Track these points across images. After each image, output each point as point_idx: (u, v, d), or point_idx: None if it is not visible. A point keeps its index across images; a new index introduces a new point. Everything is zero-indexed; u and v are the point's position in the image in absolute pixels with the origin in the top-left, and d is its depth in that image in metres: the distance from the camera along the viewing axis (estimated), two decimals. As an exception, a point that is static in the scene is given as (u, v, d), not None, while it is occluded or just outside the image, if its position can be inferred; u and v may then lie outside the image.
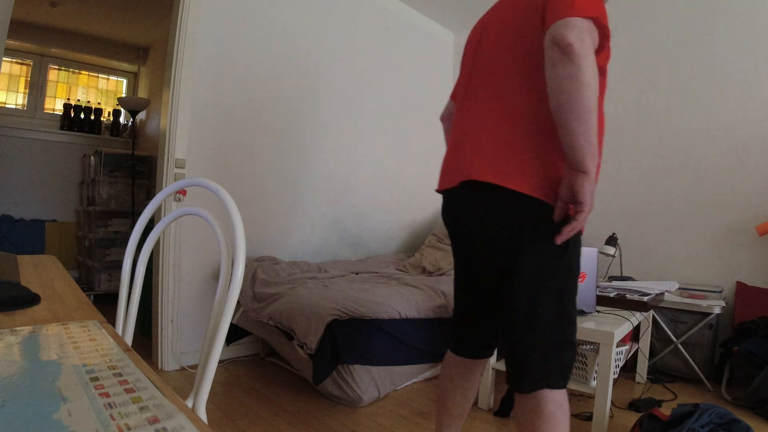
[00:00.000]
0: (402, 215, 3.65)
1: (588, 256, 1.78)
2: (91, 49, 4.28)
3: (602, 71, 1.00)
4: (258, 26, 2.68)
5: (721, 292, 2.49)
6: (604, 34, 0.95)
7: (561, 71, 0.88)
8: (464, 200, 1.13)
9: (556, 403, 1.01)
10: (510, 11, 1.10)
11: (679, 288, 2.55)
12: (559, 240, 0.95)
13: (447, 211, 1.24)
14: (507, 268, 1.04)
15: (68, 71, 4.30)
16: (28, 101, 4.01)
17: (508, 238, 1.03)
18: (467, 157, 1.09)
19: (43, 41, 4.03)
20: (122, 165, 3.74)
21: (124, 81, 4.67)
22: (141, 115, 4.29)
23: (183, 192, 2.30)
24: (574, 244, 1.03)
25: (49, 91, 4.16)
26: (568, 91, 0.87)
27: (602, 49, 0.98)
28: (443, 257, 3.05)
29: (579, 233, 1.02)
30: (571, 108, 0.88)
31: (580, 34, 0.87)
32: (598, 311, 1.99)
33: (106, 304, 2.76)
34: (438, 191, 1.26)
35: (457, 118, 1.21)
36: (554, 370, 1.03)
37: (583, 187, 0.90)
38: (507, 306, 1.06)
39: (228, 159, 2.56)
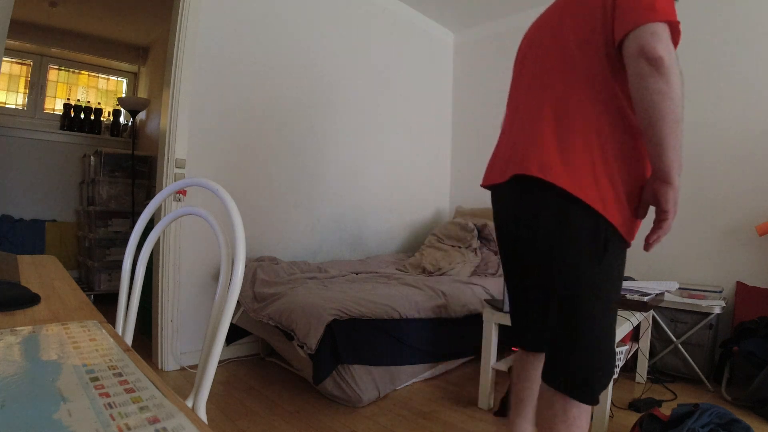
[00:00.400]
0: (402, 215, 3.65)
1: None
2: (91, 49, 4.28)
3: None
4: (258, 26, 2.68)
5: (721, 292, 2.49)
6: (675, 40, 0.93)
7: (652, 86, 0.87)
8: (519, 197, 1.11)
9: (581, 408, 1.01)
10: (565, 10, 1.06)
11: (679, 288, 2.55)
12: (649, 249, 0.99)
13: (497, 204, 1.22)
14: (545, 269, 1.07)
15: (68, 71, 4.30)
16: (28, 101, 4.01)
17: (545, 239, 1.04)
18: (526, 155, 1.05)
19: (43, 41, 4.03)
20: (122, 165, 3.74)
21: (124, 81, 4.67)
22: (141, 115, 4.29)
23: (183, 192, 2.30)
24: (613, 253, 0.99)
25: (49, 91, 4.16)
26: (660, 107, 0.87)
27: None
28: (443, 257, 3.05)
29: (620, 246, 1.01)
30: (663, 123, 0.88)
31: (668, 45, 0.86)
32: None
33: (106, 304, 2.76)
34: (486, 186, 1.23)
35: (509, 130, 1.17)
36: (583, 379, 1.02)
37: (668, 196, 0.93)
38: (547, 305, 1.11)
39: (228, 159, 2.56)
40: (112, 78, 4.60)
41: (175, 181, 2.28)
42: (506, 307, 1.94)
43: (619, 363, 2.04)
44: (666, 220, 0.95)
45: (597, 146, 0.97)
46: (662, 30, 0.87)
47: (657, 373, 2.41)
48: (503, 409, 1.91)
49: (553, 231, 1.01)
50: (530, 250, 1.10)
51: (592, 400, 1.02)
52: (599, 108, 0.98)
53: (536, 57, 1.12)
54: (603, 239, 0.97)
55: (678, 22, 0.90)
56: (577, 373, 1.01)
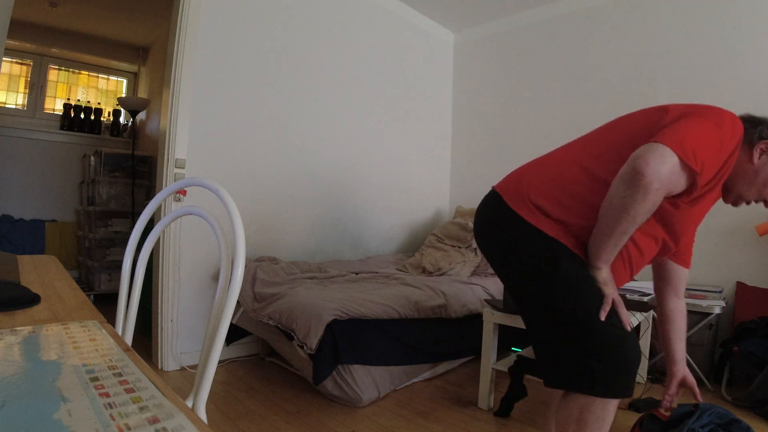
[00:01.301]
0: (402, 215, 3.65)
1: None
2: (91, 49, 4.28)
3: (668, 226, 1.11)
4: (257, 26, 2.68)
5: (721, 292, 2.49)
6: (689, 191, 0.99)
7: (622, 191, 0.95)
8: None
9: (591, 411, 1.01)
10: (642, 114, 1.14)
11: (679, 288, 2.54)
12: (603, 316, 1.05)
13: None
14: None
15: (68, 71, 4.30)
16: (28, 101, 4.01)
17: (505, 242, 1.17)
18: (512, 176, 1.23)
19: (43, 41, 4.03)
20: (122, 165, 3.74)
21: (124, 81, 4.67)
22: (141, 115, 4.29)
23: (183, 192, 2.30)
24: (567, 261, 1.08)
25: (49, 91, 4.16)
26: (615, 211, 0.97)
27: (678, 206, 1.04)
28: (443, 257, 3.05)
29: (564, 249, 1.09)
30: (609, 223, 0.99)
31: (658, 167, 0.91)
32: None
33: (106, 304, 2.76)
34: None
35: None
36: (574, 375, 1.03)
37: (597, 279, 1.06)
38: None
39: (228, 159, 2.56)
40: (112, 78, 4.59)
41: (175, 181, 2.28)
42: (507, 307, 1.94)
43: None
44: (603, 293, 1.05)
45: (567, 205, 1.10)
46: (667, 155, 0.92)
47: (657, 373, 2.40)
48: (503, 409, 1.91)
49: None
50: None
51: (594, 389, 1.00)
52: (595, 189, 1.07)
53: (601, 130, 1.20)
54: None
55: (699, 177, 0.96)
56: (570, 364, 1.04)
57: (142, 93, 4.51)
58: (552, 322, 1.08)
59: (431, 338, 2.22)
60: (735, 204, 1.17)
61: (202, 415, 0.82)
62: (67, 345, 0.55)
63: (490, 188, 1.29)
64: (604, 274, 1.06)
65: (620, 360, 1.01)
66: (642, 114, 1.13)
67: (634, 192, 0.93)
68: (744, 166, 1.09)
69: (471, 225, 3.13)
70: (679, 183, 0.96)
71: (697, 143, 0.94)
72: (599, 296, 1.05)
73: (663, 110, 1.08)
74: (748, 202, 1.15)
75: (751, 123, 1.10)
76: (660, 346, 1.40)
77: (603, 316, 1.01)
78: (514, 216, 1.12)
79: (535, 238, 1.09)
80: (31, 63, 4.06)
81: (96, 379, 0.45)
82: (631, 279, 1.25)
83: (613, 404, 1.02)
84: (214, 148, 2.50)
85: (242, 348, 2.58)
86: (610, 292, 1.05)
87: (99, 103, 4.41)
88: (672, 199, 1.03)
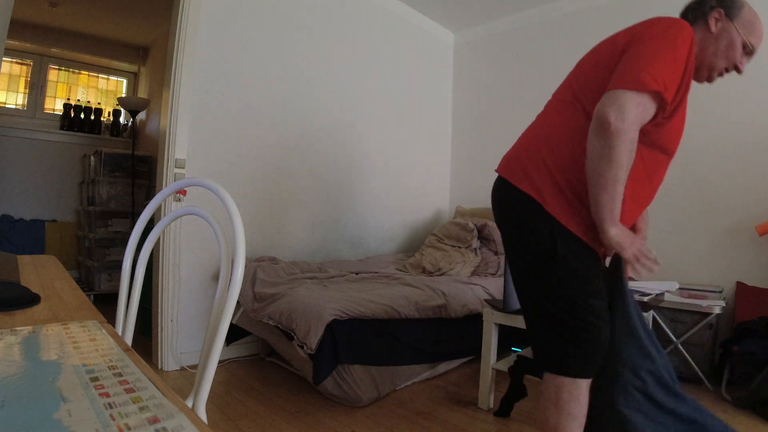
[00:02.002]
0: (402, 215, 3.65)
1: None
2: (91, 49, 4.28)
3: (662, 147, 1.08)
4: (257, 26, 2.68)
5: (721, 292, 2.49)
6: (663, 108, 0.99)
7: (596, 142, 0.98)
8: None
9: (570, 388, 1.07)
10: (601, 48, 1.16)
11: (679, 288, 2.55)
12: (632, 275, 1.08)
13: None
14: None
15: (68, 71, 4.30)
16: (28, 101, 4.01)
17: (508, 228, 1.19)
18: (507, 156, 1.23)
19: (43, 41, 4.03)
20: (122, 165, 3.74)
21: (124, 81, 4.67)
22: (141, 115, 4.29)
23: (183, 192, 2.30)
24: (564, 244, 1.08)
25: (49, 91, 4.16)
26: (598, 163, 0.98)
27: (661, 125, 1.03)
28: (443, 257, 3.05)
29: (569, 237, 1.08)
30: (597, 177, 0.99)
31: (622, 111, 0.94)
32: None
33: (106, 304, 2.76)
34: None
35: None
36: (553, 356, 1.10)
37: (609, 242, 1.03)
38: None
39: (228, 159, 2.56)
40: (112, 78, 4.59)
41: (175, 181, 2.28)
42: (507, 307, 1.94)
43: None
44: (628, 262, 1.03)
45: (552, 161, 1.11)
46: (626, 99, 0.95)
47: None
48: (503, 409, 1.91)
49: None
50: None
51: (563, 370, 1.07)
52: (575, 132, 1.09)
53: (569, 77, 1.21)
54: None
55: (667, 94, 0.97)
56: (546, 347, 1.12)
57: (142, 93, 4.51)
58: (538, 300, 1.12)
59: (431, 338, 2.22)
60: (709, 80, 1.17)
61: (202, 415, 0.82)
62: (67, 345, 0.55)
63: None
64: (615, 236, 1.02)
65: (592, 342, 1.07)
66: (595, 55, 1.15)
67: (608, 140, 0.95)
68: (705, 42, 1.12)
69: (471, 225, 3.13)
70: (648, 112, 0.98)
71: (652, 67, 0.96)
72: (590, 283, 1.07)
73: (611, 42, 1.11)
74: (720, 74, 1.16)
75: (697, 4, 1.15)
76: None
77: (630, 275, 1.03)
78: (516, 191, 1.13)
79: (538, 214, 1.09)
80: (31, 63, 4.06)
81: (96, 379, 0.45)
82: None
83: (586, 383, 1.08)
84: (214, 148, 2.50)
85: (242, 348, 2.58)
86: (629, 254, 1.03)
87: (99, 103, 4.41)
88: (650, 124, 1.03)
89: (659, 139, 1.07)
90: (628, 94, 0.95)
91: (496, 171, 1.22)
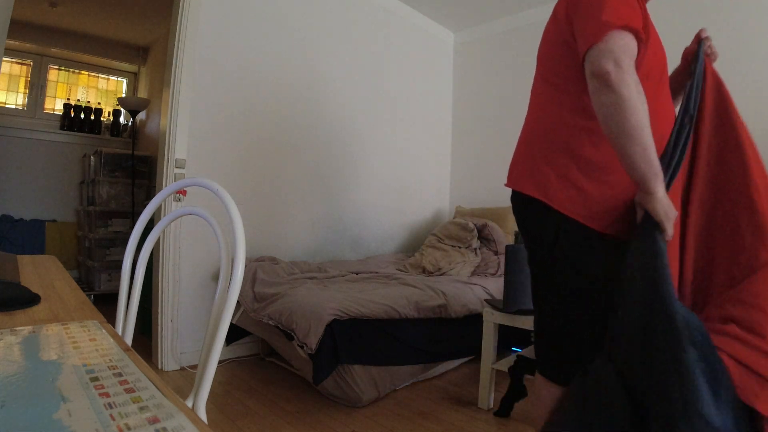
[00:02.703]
0: (402, 215, 3.65)
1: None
2: (91, 49, 4.28)
3: (647, 76, 1.02)
4: (258, 26, 2.68)
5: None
6: (638, 39, 0.96)
7: (605, 100, 0.91)
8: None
9: (547, 387, 1.11)
10: (548, 28, 1.15)
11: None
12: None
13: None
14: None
15: (68, 71, 4.30)
16: (28, 101, 4.01)
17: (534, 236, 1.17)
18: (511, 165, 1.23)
19: (43, 41, 4.03)
20: (122, 165, 3.74)
21: (124, 81, 4.67)
22: (141, 115, 4.29)
23: (183, 192, 2.30)
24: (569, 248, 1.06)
25: (49, 91, 4.16)
26: (616, 119, 0.91)
27: (641, 56, 0.99)
28: (443, 257, 3.05)
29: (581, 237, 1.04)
30: (620, 133, 0.91)
31: (613, 58, 0.90)
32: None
33: (106, 304, 2.76)
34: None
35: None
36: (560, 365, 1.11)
37: (652, 206, 0.92)
38: None
39: (228, 159, 2.56)
40: (112, 78, 4.59)
41: (175, 181, 2.28)
42: (507, 307, 1.94)
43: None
44: (663, 231, 0.93)
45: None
46: (611, 45, 0.91)
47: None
48: (503, 409, 1.91)
49: None
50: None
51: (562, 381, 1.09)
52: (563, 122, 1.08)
53: (536, 72, 1.22)
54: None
55: (634, 23, 0.93)
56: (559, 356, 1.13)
57: (142, 93, 4.51)
58: (548, 300, 1.13)
59: (431, 338, 2.22)
60: None
61: (202, 415, 0.82)
62: (67, 345, 0.55)
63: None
64: (660, 201, 0.92)
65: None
66: (545, 38, 1.15)
67: (615, 89, 0.90)
68: None
69: (471, 225, 3.13)
70: (631, 46, 0.94)
71: (606, 10, 0.93)
72: (596, 283, 1.04)
73: (553, 19, 1.11)
74: None
75: None
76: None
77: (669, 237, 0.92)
78: (525, 198, 1.12)
79: (545, 213, 1.08)
80: (31, 63, 4.06)
81: (96, 379, 0.45)
82: None
83: None
84: (214, 148, 2.50)
85: (242, 348, 2.58)
86: (671, 230, 0.92)
87: (99, 103, 4.41)
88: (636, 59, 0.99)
89: (643, 67, 1.02)
90: (607, 42, 0.92)
91: (506, 185, 1.22)
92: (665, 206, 0.92)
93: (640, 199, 0.95)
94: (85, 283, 3.81)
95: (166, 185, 2.31)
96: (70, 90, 4.31)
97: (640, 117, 0.90)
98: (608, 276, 1.01)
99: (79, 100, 4.31)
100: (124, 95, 4.55)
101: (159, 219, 1.59)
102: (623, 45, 0.92)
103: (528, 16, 3.55)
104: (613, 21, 0.91)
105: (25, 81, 4.04)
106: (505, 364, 1.97)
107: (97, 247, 3.60)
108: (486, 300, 2.24)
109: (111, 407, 0.39)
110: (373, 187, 3.42)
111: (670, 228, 0.92)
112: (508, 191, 1.22)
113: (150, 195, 3.83)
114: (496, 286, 2.66)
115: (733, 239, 0.97)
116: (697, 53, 1.11)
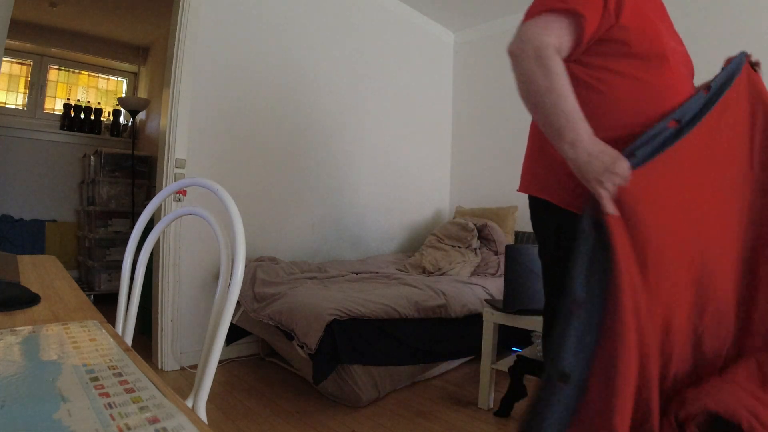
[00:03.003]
0: (402, 215, 3.65)
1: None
2: (91, 49, 4.28)
3: (639, 55, 0.97)
4: (257, 26, 2.68)
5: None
6: (574, 14, 0.92)
7: (516, 78, 0.98)
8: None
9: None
10: None
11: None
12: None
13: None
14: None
15: (68, 71, 4.30)
16: (28, 101, 4.01)
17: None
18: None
19: (43, 41, 4.03)
20: (122, 165, 3.74)
21: (124, 81, 4.67)
22: (141, 115, 4.28)
23: (183, 192, 2.30)
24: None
25: (49, 91, 4.16)
26: (524, 93, 0.97)
27: (617, 29, 0.95)
28: (443, 257, 3.05)
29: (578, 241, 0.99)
30: (531, 105, 0.97)
31: (519, 41, 0.96)
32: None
33: (106, 304, 2.76)
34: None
35: None
36: None
37: (579, 170, 0.86)
38: None
39: (228, 159, 2.56)
40: (112, 78, 4.59)
41: (175, 181, 2.28)
42: (507, 307, 1.94)
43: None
44: (597, 194, 0.83)
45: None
46: (523, 29, 0.97)
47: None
48: (503, 409, 1.91)
49: None
50: None
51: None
52: None
53: None
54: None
55: (567, 3, 0.93)
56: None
57: (142, 93, 4.51)
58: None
59: (431, 338, 2.22)
60: None
61: (202, 415, 0.82)
62: (67, 345, 0.55)
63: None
64: (582, 153, 0.85)
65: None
66: None
67: (518, 68, 0.95)
68: None
69: (471, 225, 3.13)
70: (553, 25, 0.93)
71: None
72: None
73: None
74: None
75: None
76: None
77: (608, 210, 0.81)
78: (531, 199, 1.15)
79: (542, 209, 1.10)
80: (31, 63, 4.06)
81: (96, 379, 0.45)
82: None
83: None
84: (214, 148, 2.50)
85: (242, 348, 2.58)
86: (605, 189, 0.81)
87: (99, 103, 4.40)
88: (605, 34, 0.96)
89: (631, 47, 0.97)
90: (525, 24, 0.97)
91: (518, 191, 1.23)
92: (583, 159, 0.85)
93: (570, 164, 0.88)
94: (85, 283, 3.81)
95: (166, 185, 2.31)
96: (70, 90, 4.31)
97: (539, 87, 0.91)
98: None
99: (79, 100, 4.31)
100: (124, 95, 4.54)
101: (159, 219, 1.59)
102: (539, 26, 0.95)
103: (528, 16, 3.55)
104: (542, 2, 0.96)
105: (25, 81, 4.04)
106: (505, 364, 1.97)
107: (97, 247, 3.60)
108: (486, 300, 2.24)
109: (111, 407, 0.39)
110: (373, 187, 3.42)
111: (601, 188, 0.81)
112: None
113: (150, 195, 3.83)
114: (496, 286, 2.66)
115: None
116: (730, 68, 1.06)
